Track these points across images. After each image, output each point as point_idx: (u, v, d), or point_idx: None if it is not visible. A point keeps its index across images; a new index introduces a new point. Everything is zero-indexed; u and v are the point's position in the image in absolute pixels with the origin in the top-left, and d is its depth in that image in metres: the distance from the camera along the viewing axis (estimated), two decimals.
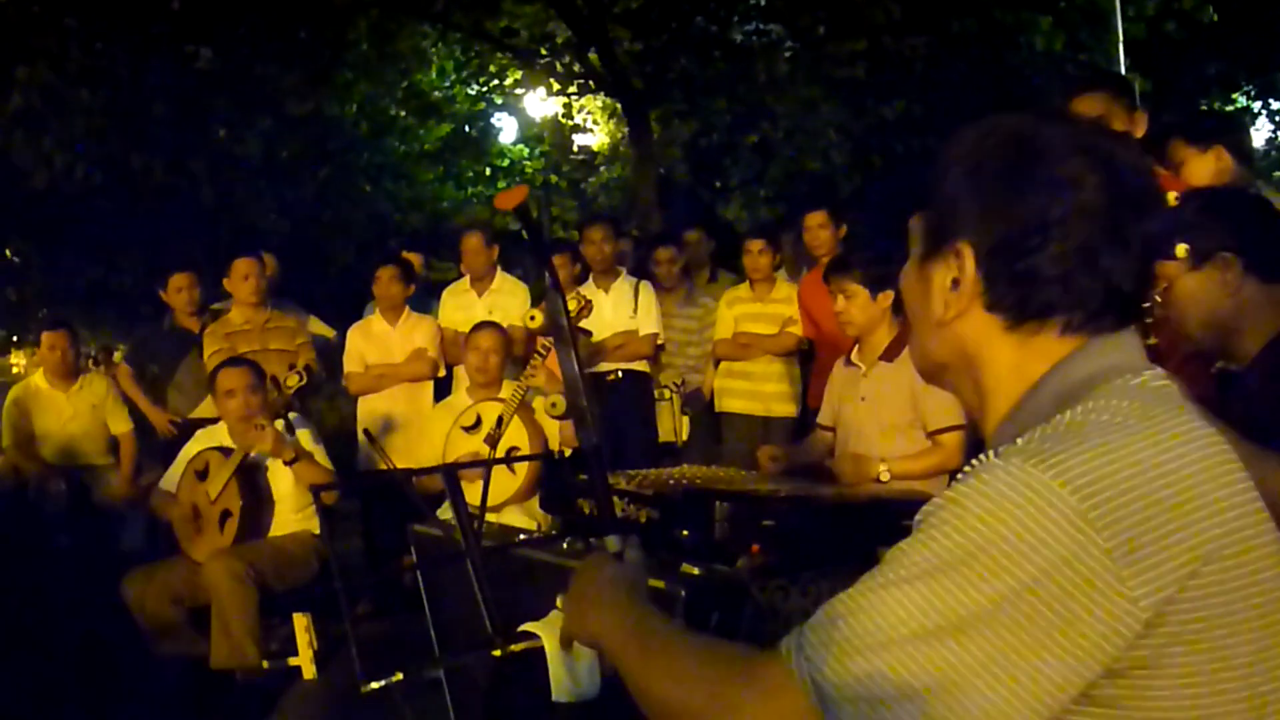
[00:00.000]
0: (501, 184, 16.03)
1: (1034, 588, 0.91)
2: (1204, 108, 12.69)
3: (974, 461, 1.01)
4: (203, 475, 4.52)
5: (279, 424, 4.45)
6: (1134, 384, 1.03)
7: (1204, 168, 3.23)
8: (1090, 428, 0.98)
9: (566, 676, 1.46)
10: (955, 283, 1.09)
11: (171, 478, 4.68)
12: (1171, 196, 2.06)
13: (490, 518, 4.22)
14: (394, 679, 1.40)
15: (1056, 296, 1.05)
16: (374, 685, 1.38)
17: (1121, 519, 0.92)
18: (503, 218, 14.15)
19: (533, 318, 1.33)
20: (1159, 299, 2.10)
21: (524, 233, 1.36)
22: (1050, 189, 1.04)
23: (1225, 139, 3.27)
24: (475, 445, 4.52)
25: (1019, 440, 1.01)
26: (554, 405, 1.32)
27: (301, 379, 4.47)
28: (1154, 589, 0.92)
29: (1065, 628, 0.91)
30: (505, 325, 5.40)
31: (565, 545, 2.37)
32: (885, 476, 3.48)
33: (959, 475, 1.01)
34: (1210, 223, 2.13)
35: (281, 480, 4.56)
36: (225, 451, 4.52)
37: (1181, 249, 2.04)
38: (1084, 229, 1.03)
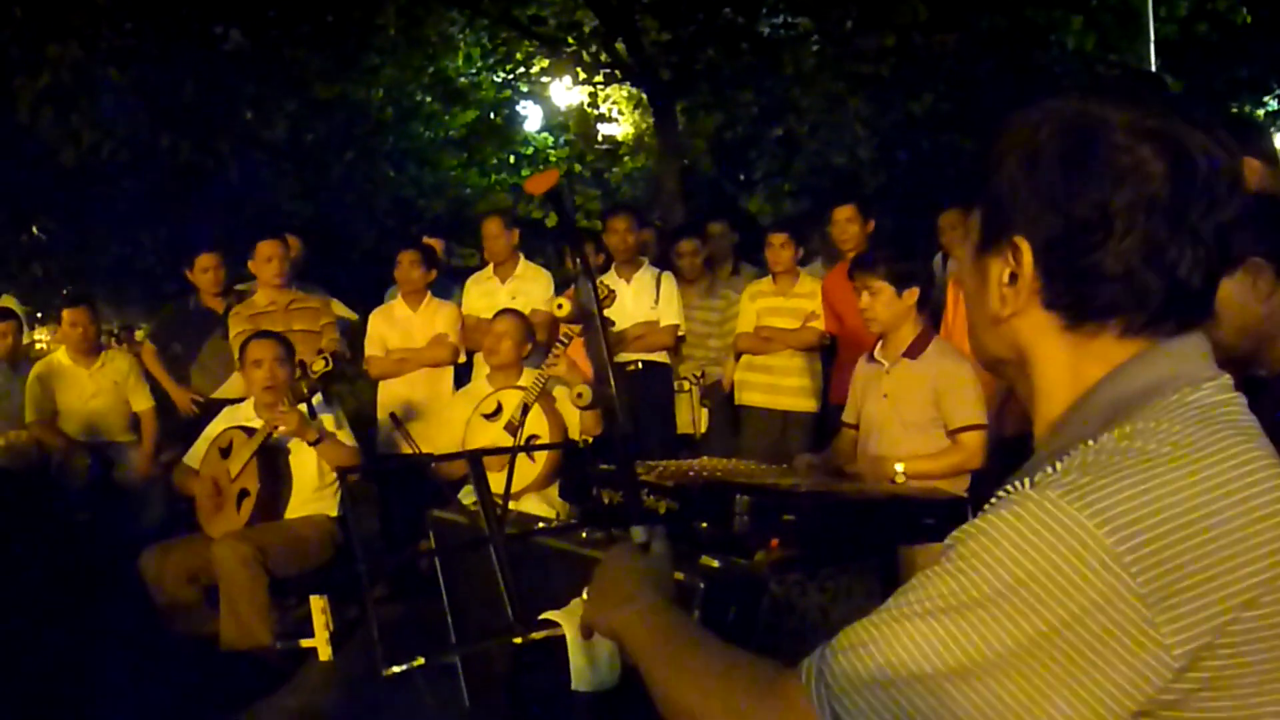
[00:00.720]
0: (526, 172, 16.02)
1: (1064, 631, 0.88)
2: (1233, 110, 12.54)
3: (1008, 487, 0.97)
4: (226, 452, 4.55)
5: (302, 407, 4.47)
6: (1190, 400, 0.98)
7: None
8: (1132, 457, 0.92)
9: (586, 666, 1.46)
10: (1012, 277, 1.03)
11: (195, 454, 4.72)
12: None
13: (510, 505, 4.24)
14: (415, 664, 1.40)
15: (1118, 295, 0.99)
16: (395, 669, 1.38)
17: (1158, 563, 0.88)
18: (524, 204, 14.17)
19: (560, 305, 1.32)
20: None
21: (557, 217, 1.35)
22: (1112, 179, 0.97)
23: (1252, 149, 3.21)
24: (495, 433, 4.53)
25: (1058, 465, 0.95)
26: (580, 395, 1.31)
27: (328, 364, 4.49)
28: (1189, 636, 0.88)
29: (1095, 673, 0.88)
30: (528, 311, 5.42)
31: (584, 534, 2.37)
32: (901, 478, 3.47)
33: (993, 500, 0.97)
34: (1241, 228, 2.11)
35: (304, 462, 4.58)
36: (249, 431, 4.55)
37: None
38: (1149, 222, 0.97)
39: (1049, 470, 0.96)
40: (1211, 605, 0.88)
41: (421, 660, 1.39)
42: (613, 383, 1.33)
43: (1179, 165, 0.97)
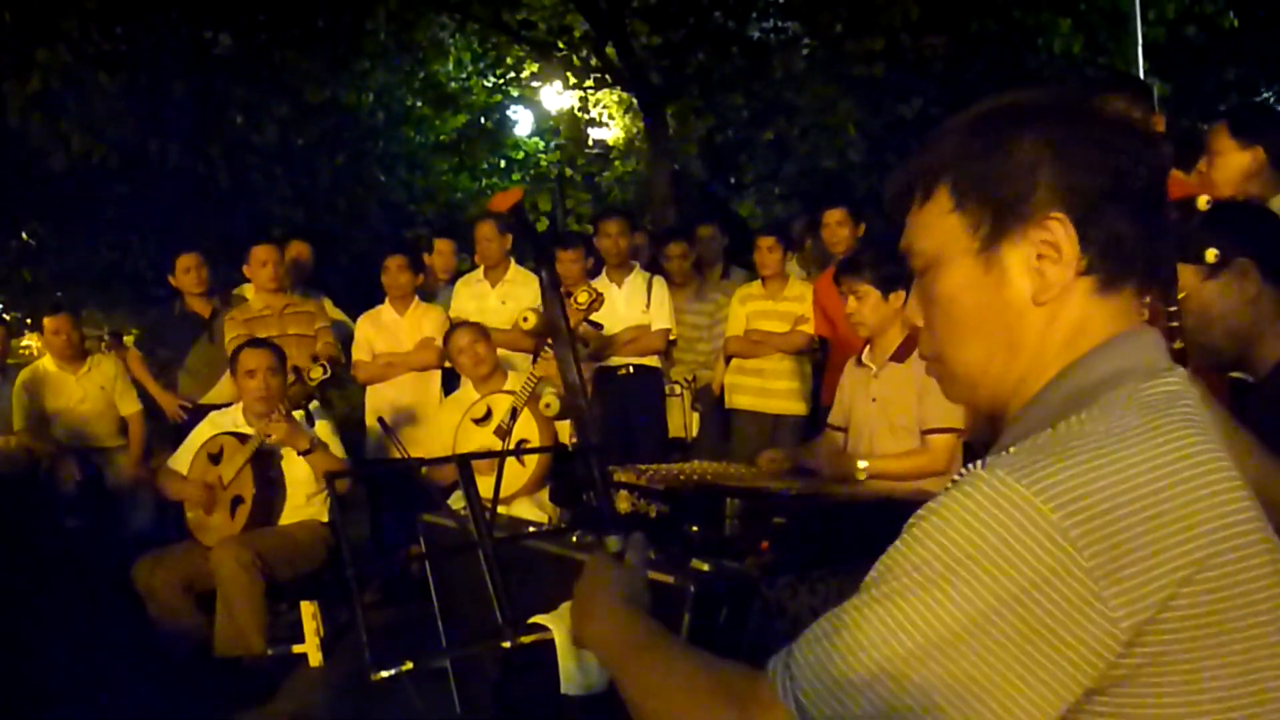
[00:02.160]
0: (516, 176, 16.04)
1: (1014, 605, 0.90)
2: (1255, 100, 12.55)
3: (961, 470, 0.99)
4: (216, 459, 4.54)
5: (298, 414, 4.46)
6: (1144, 390, 1.01)
7: (1238, 164, 3.16)
8: (1081, 439, 0.95)
9: (576, 669, 1.46)
10: (1039, 258, 1.05)
11: (180, 458, 4.69)
12: (1202, 200, 2.04)
13: (500, 509, 4.23)
14: (404, 668, 1.40)
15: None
16: (383, 674, 1.38)
17: (1104, 537, 0.90)
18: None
19: (525, 319, 1.32)
20: (1176, 309, 2.08)
21: (518, 234, 1.35)
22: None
23: (1266, 140, 3.21)
24: (486, 438, 4.53)
25: (1010, 449, 0.98)
26: (548, 406, 1.31)
27: (326, 371, 4.47)
28: (1134, 609, 0.90)
29: (1046, 647, 0.90)
30: (518, 315, 5.43)
31: (575, 538, 2.37)
32: (863, 475, 3.46)
33: (948, 485, 0.99)
34: (1228, 230, 2.12)
35: (296, 469, 4.58)
36: (241, 437, 4.53)
37: (1211, 254, 2.02)
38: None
39: (1001, 454, 0.98)
40: (1155, 580, 0.91)
41: (410, 665, 1.39)
42: (584, 395, 1.33)
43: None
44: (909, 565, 0.95)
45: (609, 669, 1.28)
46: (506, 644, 1.49)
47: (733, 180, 15.24)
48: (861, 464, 3.48)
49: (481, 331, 4.93)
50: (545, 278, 1.37)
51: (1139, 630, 0.90)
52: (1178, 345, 2.03)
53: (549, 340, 4.56)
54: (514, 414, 4.40)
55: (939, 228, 1.10)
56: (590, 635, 1.33)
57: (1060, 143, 1.05)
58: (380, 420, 5.19)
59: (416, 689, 1.65)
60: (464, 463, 1.58)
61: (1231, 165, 3.14)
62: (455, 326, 5.06)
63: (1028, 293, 1.06)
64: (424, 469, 4.51)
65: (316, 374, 4.46)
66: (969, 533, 0.92)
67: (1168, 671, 0.92)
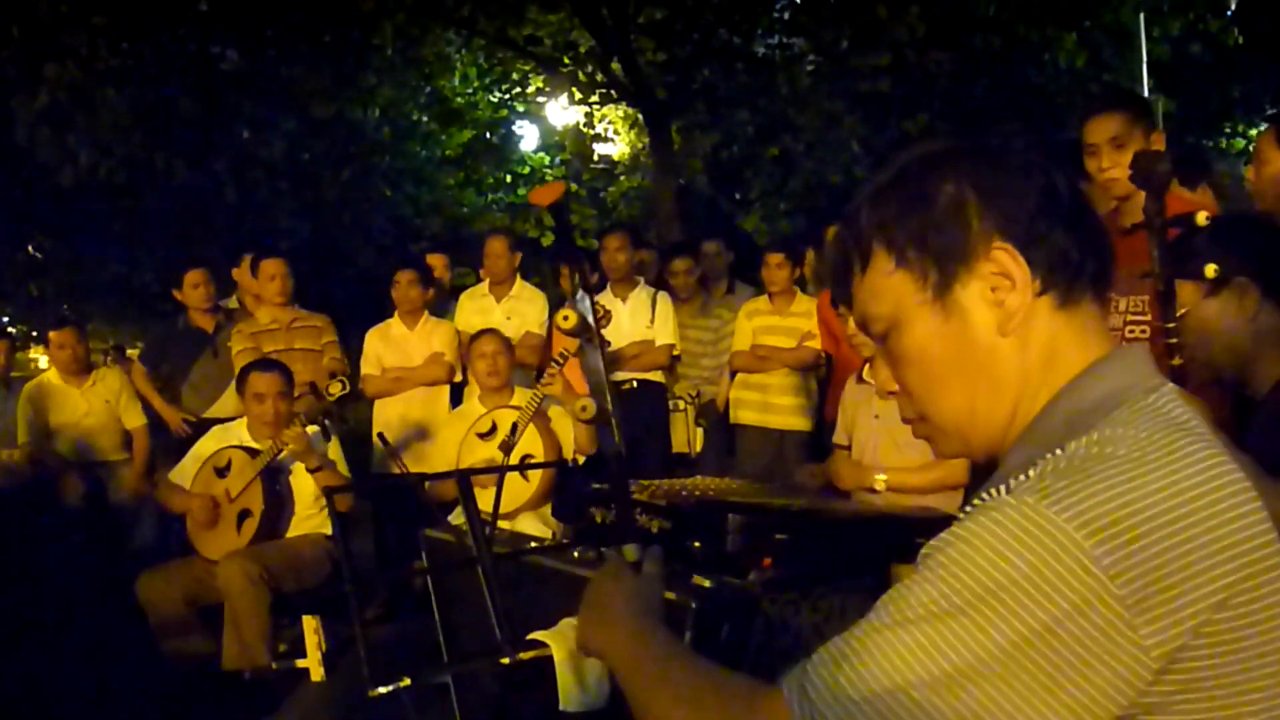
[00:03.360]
0: (522, 191, 16.08)
1: (1045, 635, 0.89)
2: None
3: (984, 494, 0.98)
4: (223, 472, 4.53)
5: (312, 429, 4.45)
6: (1148, 405, 1.01)
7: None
8: (1104, 461, 0.94)
9: (575, 686, 1.45)
10: (994, 290, 1.05)
11: (183, 471, 4.69)
12: (1202, 216, 2.04)
13: (504, 525, 4.22)
14: (402, 684, 1.39)
15: (1084, 257, 1.06)
16: (381, 690, 1.37)
17: (1135, 565, 0.88)
18: (520, 223, 14.18)
19: (566, 317, 1.31)
20: (1174, 325, 2.08)
21: (556, 230, 1.35)
22: (1037, 170, 1.07)
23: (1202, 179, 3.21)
24: (490, 452, 4.52)
25: (1031, 472, 0.97)
26: (584, 409, 1.31)
27: (344, 387, 4.44)
28: (1166, 637, 0.89)
29: (1076, 677, 0.89)
30: (522, 332, 5.43)
31: (576, 554, 2.36)
32: (881, 486, 3.46)
33: (967, 508, 0.98)
34: (1229, 246, 2.11)
35: (303, 483, 4.57)
36: (251, 451, 4.53)
37: (1211, 269, 2.02)
38: (1071, 198, 1.07)
39: (1023, 477, 0.97)
40: (1186, 607, 0.89)
41: (408, 681, 1.39)
42: (609, 399, 1.33)
43: (1052, 155, 1.09)
44: (936, 592, 0.93)
45: (618, 676, 1.26)
46: (505, 660, 1.48)
47: (738, 196, 15.26)
48: (880, 477, 3.48)
49: (507, 344, 4.93)
50: (578, 279, 1.37)
51: (1170, 658, 0.89)
52: (1176, 361, 2.03)
53: (554, 357, 4.57)
54: (514, 428, 4.40)
55: (887, 289, 1.10)
56: (601, 643, 1.31)
57: (978, 178, 1.06)
58: (380, 436, 5.19)
59: (419, 704, 1.64)
60: (463, 478, 1.57)
61: (1274, 173, 3.11)
62: (482, 332, 5.03)
63: (992, 327, 1.06)
64: (427, 484, 4.50)
65: (335, 389, 4.43)
66: (1000, 560, 0.91)
67: (1199, 699, 0.91)
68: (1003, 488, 0.96)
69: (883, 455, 3.66)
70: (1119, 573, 0.88)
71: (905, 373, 1.13)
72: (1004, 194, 1.05)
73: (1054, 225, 1.05)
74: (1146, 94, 10.18)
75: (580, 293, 1.35)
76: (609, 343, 4.46)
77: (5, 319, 14.50)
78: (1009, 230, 1.04)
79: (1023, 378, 1.07)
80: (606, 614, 1.32)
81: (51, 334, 6.46)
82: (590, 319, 1.34)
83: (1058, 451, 0.98)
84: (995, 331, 1.06)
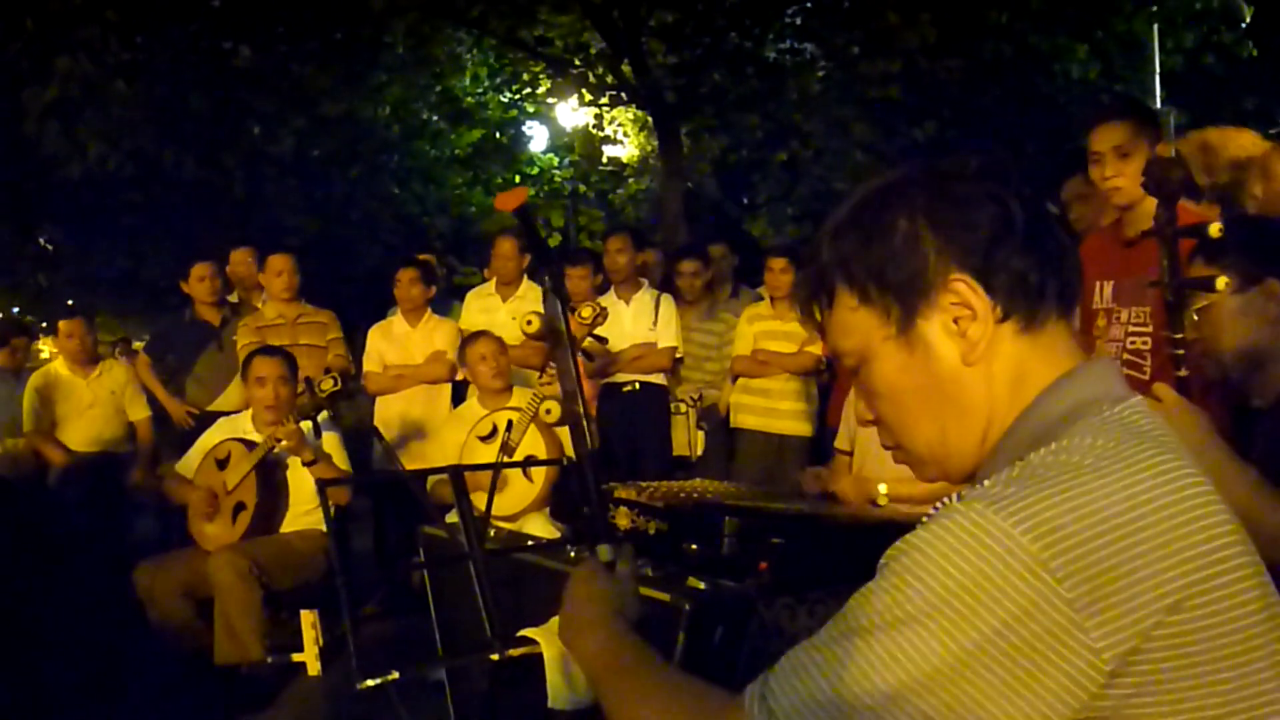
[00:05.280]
0: (530, 192, 16.07)
1: (996, 640, 0.90)
2: None
3: (938, 504, 0.99)
4: (223, 464, 4.54)
5: (306, 425, 4.46)
6: (1112, 416, 1.02)
7: None
8: (1057, 470, 0.96)
9: (564, 684, 1.46)
10: (956, 321, 1.06)
11: (188, 462, 4.71)
12: (1215, 228, 2.02)
13: (509, 526, 4.22)
14: (389, 678, 1.39)
15: (1046, 279, 1.06)
16: (369, 683, 1.38)
17: (1084, 568, 0.90)
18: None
19: (529, 322, 1.31)
20: (1195, 318, 2.07)
21: (524, 232, 1.35)
22: (989, 197, 1.06)
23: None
24: (492, 454, 4.51)
25: (985, 482, 0.98)
26: (549, 412, 1.31)
27: (336, 383, 4.45)
28: (1116, 640, 0.90)
29: (1029, 680, 0.90)
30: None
31: (573, 553, 2.36)
32: (883, 500, 3.45)
33: (924, 517, 0.99)
34: (1259, 250, 2.10)
35: (300, 477, 4.57)
36: (248, 444, 4.54)
37: (1222, 281, 2.01)
38: (1028, 222, 1.06)
39: (977, 487, 0.98)
40: (1137, 610, 0.90)
41: (396, 675, 1.39)
42: (581, 400, 1.33)
43: (1001, 178, 1.08)
44: (890, 600, 0.95)
45: (590, 682, 1.29)
46: (495, 656, 1.48)
47: (745, 200, 15.26)
48: (882, 488, 3.47)
49: (501, 345, 4.92)
50: (548, 282, 1.37)
51: (1123, 660, 0.90)
52: (1182, 373, 2.02)
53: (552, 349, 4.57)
54: (509, 426, 4.37)
55: (852, 325, 1.12)
56: (576, 649, 1.33)
57: (930, 211, 1.07)
58: (374, 430, 5.18)
59: (409, 700, 1.64)
60: (456, 474, 1.57)
61: None
62: (476, 335, 5.02)
63: (957, 358, 1.07)
64: (430, 483, 4.50)
65: (327, 385, 4.44)
66: (949, 567, 0.92)
67: (1156, 701, 0.92)
68: (954, 497, 0.98)
69: (886, 462, 3.65)
70: (1066, 575, 0.89)
71: (877, 404, 1.15)
72: (958, 225, 1.06)
73: (1010, 251, 1.05)
74: (1159, 105, 10.15)
75: (549, 295, 1.36)
76: (605, 340, 4.44)
77: (16, 309, 14.55)
78: (966, 261, 1.05)
79: (989, 405, 1.08)
80: (579, 620, 1.33)
81: (61, 323, 6.49)
82: (560, 322, 1.34)
83: (1018, 462, 1.00)
84: (960, 362, 1.07)
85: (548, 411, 1.15)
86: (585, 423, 1.32)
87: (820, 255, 1.13)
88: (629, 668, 1.22)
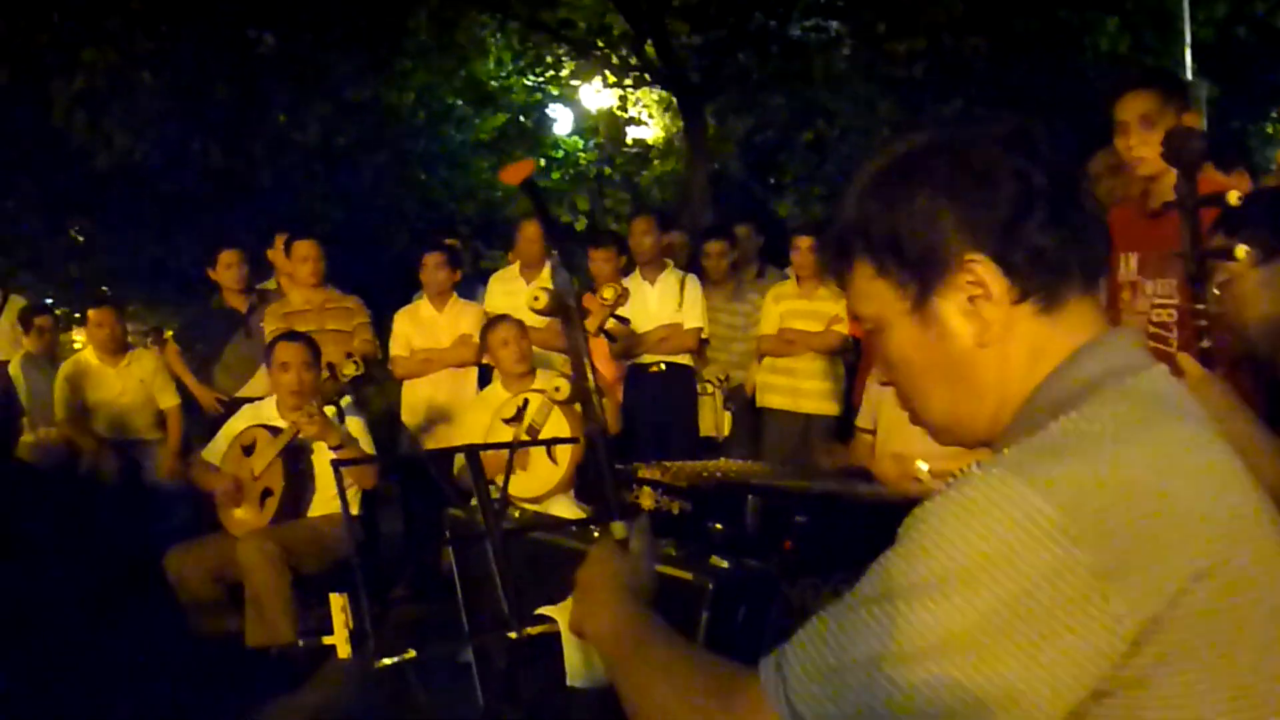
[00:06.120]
0: (556, 175, 16.05)
1: (1015, 605, 0.88)
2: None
3: (957, 471, 0.98)
4: (249, 450, 4.58)
5: (330, 410, 4.48)
6: (1134, 385, 1.00)
7: None
8: (1079, 438, 0.94)
9: (582, 662, 1.46)
10: (971, 300, 1.05)
11: (214, 449, 4.75)
12: (1234, 196, 1.99)
13: (535, 508, 4.23)
14: (406, 656, 1.40)
15: (1067, 258, 1.04)
16: (386, 661, 1.38)
17: (1106, 535, 0.88)
18: (555, 208, 14.18)
19: (536, 298, 1.30)
20: (1217, 291, 2.04)
21: (534, 209, 1.34)
22: (1009, 171, 1.03)
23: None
24: (520, 438, 4.51)
25: (1005, 451, 0.97)
26: (557, 389, 1.30)
27: (359, 368, 4.48)
28: (1139, 609, 0.88)
29: (1048, 647, 0.88)
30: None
31: (596, 533, 2.36)
32: (925, 475, 3.42)
33: (943, 486, 0.98)
34: (1274, 220, 2.06)
35: (326, 463, 4.61)
36: (273, 430, 4.57)
37: (1242, 250, 1.97)
38: (1053, 196, 1.03)
39: (998, 455, 0.97)
40: (1161, 577, 0.89)
41: (413, 653, 1.40)
42: (590, 377, 1.32)
43: (1039, 157, 1.05)
44: (908, 568, 0.93)
45: (604, 660, 1.27)
46: (513, 635, 1.48)
47: (772, 180, 15.18)
48: (922, 465, 3.45)
49: (523, 328, 4.92)
50: (556, 256, 1.36)
51: (1145, 629, 0.89)
52: (1205, 344, 1.99)
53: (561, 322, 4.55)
54: (524, 405, 4.35)
55: (871, 293, 1.11)
56: (590, 627, 1.32)
57: (950, 186, 1.04)
58: (391, 410, 5.15)
59: (447, 680, 1.65)
60: (473, 454, 1.57)
61: None
62: (497, 319, 5.02)
63: (970, 338, 1.06)
64: (457, 468, 4.52)
65: (349, 370, 4.47)
66: (968, 533, 0.91)
67: (1181, 670, 0.90)
68: (974, 464, 0.97)
69: (907, 438, 3.63)
70: (1086, 542, 0.88)
71: (891, 372, 1.15)
72: (978, 202, 1.04)
73: (1031, 229, 1.03)
74: (1189, 77, 10.00)
75: (558, 270, 1.35)
76: (628, 320, 4.41)
77: (49, 300, 14.71)
78: (984, 240, 1.03)
79: (1001, 387, 1.07)
80: (593, 598, 1.32)
81: (90, 312, 6.57)
82: (569, 298, 1.33)
83: (1039, 431, 0.98)
84: (974, 343, 1.06)
85: (557, 389, 1.15)
86: (595, 398, 1.31)
87: (840, 224, 1.12)
88: (643, 641, 1.20)
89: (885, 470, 3.59)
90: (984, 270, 1.03)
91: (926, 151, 1.07)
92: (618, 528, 1.38)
